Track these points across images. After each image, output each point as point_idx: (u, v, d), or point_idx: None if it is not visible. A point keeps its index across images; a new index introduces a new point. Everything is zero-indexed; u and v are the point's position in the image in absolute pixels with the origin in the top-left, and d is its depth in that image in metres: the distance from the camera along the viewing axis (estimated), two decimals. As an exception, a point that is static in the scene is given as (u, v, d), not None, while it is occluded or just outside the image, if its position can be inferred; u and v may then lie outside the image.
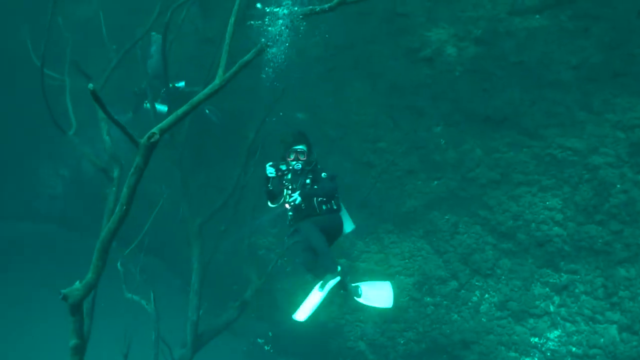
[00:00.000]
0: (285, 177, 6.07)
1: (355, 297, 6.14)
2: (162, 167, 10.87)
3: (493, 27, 7.72)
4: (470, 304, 8.49)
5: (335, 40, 9.24)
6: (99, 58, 10.09)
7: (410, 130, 8.93)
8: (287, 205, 6.09)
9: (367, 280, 6.43)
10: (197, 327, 8.60)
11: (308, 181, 6.00)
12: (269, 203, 6.29)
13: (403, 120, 8.97)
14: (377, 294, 6.23)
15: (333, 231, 6.11)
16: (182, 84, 9.80)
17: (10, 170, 14.57)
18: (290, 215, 6.14)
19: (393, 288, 6.40)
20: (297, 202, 5.76)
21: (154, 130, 3.87)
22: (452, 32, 8.08)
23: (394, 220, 9.27)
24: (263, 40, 4.15)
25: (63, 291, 3.88)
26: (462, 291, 8.57)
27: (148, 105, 9.60)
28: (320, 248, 5.71)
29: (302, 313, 5.91)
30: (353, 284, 6.16)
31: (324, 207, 6.03)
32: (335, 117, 9.57)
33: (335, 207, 6.13)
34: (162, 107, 9.62)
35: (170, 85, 9.41)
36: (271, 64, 7.46)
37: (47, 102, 7.10)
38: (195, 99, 4.19)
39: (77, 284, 3.95)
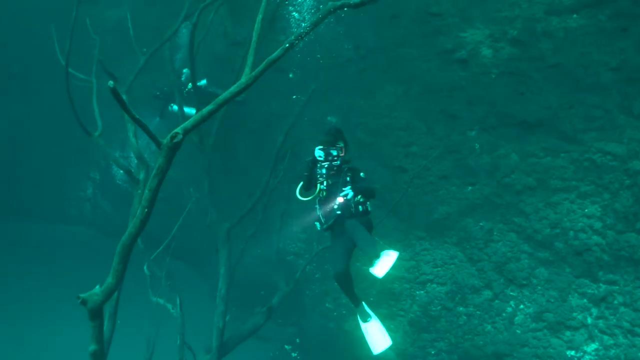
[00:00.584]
0: (320, 171, 5.93)
1: (360, 319, 6.00)
2: (191, 171, 11.05)
3: (530, 27, 7.59)
4: (504, 314, 8.32)
5: (366, 43, 9.24)
6: (130, 62, 10.32)
7: (444, 134, 8.84)
8: (317, 205, 5.96)
9: (380, 320, 6.07)
10: (223, 333, 8.63)
11: (348, 179, 5.83)
12: (299, 194, 6.03)
13: (436, 124, 8.88)
14: (378, 336, 5.91)
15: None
16: (203, 82, 9.89)
17: (43, 173, 14.96)
18: (321, 216, 5.95)
19: (391, 346, 6.00)
20: (349, 196, 5.61)
21: (177, 130, 3.81)
22: (487, 33, 7.97)
23: (426, 227, 9.17)
24: (292, 37, 4.08)
25: (82, 295, 3.87)
26: (496, 301, 8.41)
27: (174, 107, 9.72)
28: (369, 244, 5.48)
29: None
30: (367, 309, 6.01)
31: (360, 208, 5.84)
32: (367, 121, 9.54)
33: (369, 209, 5.96)
34: (190, 110, 9.73)
35: (190, 85, 9.53)
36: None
37: (72, 103, 7.21)
38: (221, 97, 4.13)
39: (97, 288, 3.95)
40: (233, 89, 4.26)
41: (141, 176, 7.65)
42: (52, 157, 14.81)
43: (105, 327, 6.66)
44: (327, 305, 10.16)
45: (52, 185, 15.22)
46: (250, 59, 4.57)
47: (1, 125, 15.05)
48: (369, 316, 5.92)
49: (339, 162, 5.86)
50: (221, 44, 10.61)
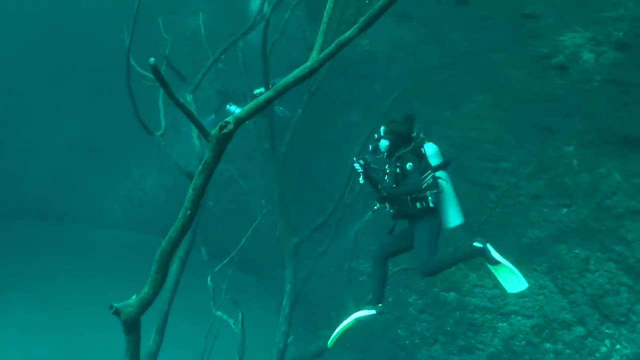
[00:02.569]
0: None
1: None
2: (263, 182, 11.16)
3: (637, 28, 7.12)
4: (597, 355, 7.85)
5: (453, 48, 9.01)
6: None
7: (537, 149, 8.50)
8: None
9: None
10: (284, 356, 8.57)
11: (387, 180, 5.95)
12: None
13: (529, 137, 8.55)
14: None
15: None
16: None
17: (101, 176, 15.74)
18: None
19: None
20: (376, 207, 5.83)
21: (229, 119, 3.42)
22: (588, 36, 7.56)
23: (514, 252, 8.58)
24: (364, 17, 3.75)
25: (115, 305, 3.69)
26: (589, 339, 7.94)
27: (231, 107, 9.86)
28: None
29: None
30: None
31: (417, 205, 5.75)
32: (452, 134, 9.30)
33: (430, 205, 5.78)
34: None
35: (257, 91, 9.66)
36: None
37: (133, 101, 7.43)
38: (281, 83, 3.88)
39: (133, 298, 3.79)
40: (297, 72, 3.94)
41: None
42: (117, 158, 15.54)
43: (151, 341, 6.73)
44: (399, 332, 9.93)
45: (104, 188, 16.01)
46: (319, 42, 4.18)
47: (73, 128, 16.03)
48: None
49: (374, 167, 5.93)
50: (298, 48, 10.69)
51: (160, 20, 9.35)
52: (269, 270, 12.28)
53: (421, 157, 5.88)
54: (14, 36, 14.72)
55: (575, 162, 8.15)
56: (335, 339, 6.24)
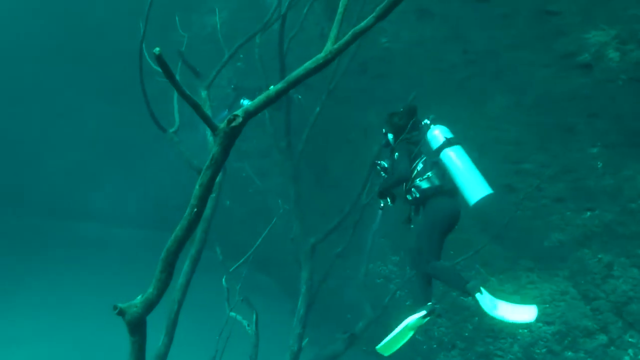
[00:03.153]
0: None
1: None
2: (280, 180, 11.06)
3: (664, 26, 6.92)
4: (621, 364, 7.61)
5: (474, 46, 8.81)
6: (227, 69, 10.57)
7: (560, 150, 8.25)
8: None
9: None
10: (298, 358, 8.46)
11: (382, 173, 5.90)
12: None
13: (552, 138, 8.31)
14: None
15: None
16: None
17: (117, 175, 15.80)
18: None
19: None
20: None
21: (238, 112, 3.36)
22: (613, 34, 7.30)
23: (535, 257, 8.63)
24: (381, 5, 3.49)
25: (120, 305, 3.63)
26: (612, 348, 7.69)
27: (244, 101, 9.76)
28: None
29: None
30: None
31: (409, 197, 5.61)
32: (473, 134, 9.07)
33: (417, 196, 5.57)
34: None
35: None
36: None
37: (147, 98, 7.34)
38: (293, 75, 3.70)
39: (139, 298, 3.72)
40: (309, 64, 3.74)
41: (217, 179, 7.62)
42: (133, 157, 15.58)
43: (160, 342, 6.62)
44: (416, 336, 9.66)
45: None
46: (334, 32, 3.95)
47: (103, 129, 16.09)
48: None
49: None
50: (317, 46, 10.53)
51: (177, 17, 9.31)
52: (285, 272, 12.19)
53: (417, 144, 5.71)
54: (35, 36, 14.84)
55: (599, 164, 7.89)
56: (387, 349, 5.72)
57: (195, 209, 3.58)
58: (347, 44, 3.74)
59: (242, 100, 10.53)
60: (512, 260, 8.84)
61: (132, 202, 15.95)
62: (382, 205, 5.79)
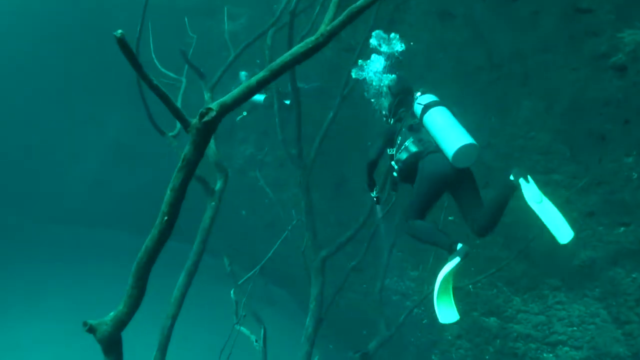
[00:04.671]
0: None
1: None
2: (296, 190, 10.72)
3: None
4: (654, 395, 7.04)
5: (500, 48, 8.33)
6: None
7: (592, 160, 7.71)
8: None
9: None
10: (305, 378, 8.04)
11: None
12: None
13: (583, 147, 7.78)
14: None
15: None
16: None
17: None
18: None
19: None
20: None
21: (212, 105, 2.99)
22: (650, 32, 6.84)
23: (563, 275, 8.09)
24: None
25: (90, 322, 3.39)
26: (645, 377, 7.13)
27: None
28: None
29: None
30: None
31: (394, 174, 5.63)
32: (498, 142, 8.64)
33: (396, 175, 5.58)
34: (257, 96, 9.54)
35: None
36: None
37: (144, 98, 7.03)
38: (278, 62, 3.13)
39: (110, 315, 3.42)
40: (297, 49, 3.16)
41: (217, 186, 7.23)
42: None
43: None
44: (433, 357, 9.28)
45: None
46: (329, 15, 3.45)
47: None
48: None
49: None
50: (333, 48, 10.19)
51: (186, 19, 9.10)
52: (300, 284, 11.89)
53: (402, 120, 5.69)
54: (56, 44, 14.96)
55: (635, 175, 7.33)
56: (448, 316, 4.97)
57: (166, 217, 3.20)
58: (342, 25, 3.27)
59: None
60: (537, 278, 8.33)
61: (147, 210, 15.91)
62: (374, 198, 5.87)
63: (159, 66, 8.44)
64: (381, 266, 9.32)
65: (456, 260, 4.77)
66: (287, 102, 9.79)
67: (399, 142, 5.51)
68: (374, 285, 9.45)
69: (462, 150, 4.99)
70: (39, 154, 17.10)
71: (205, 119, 3.00)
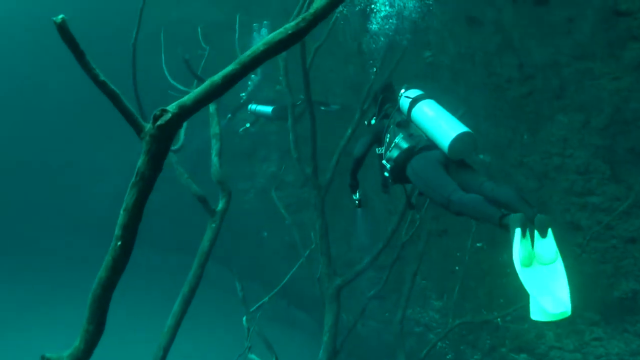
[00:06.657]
0: None
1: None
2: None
3: None
4: None
5: (532, 57, 7.79)
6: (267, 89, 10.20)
7: (635, 180, 7.20)
8: None
9: None
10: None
11: None
12: None
13: (625, 166, 7.27)
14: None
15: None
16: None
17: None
18: None
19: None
20: None
21: (169, 107, 2.49)
22: (698, 35, 6.20)
23: (602, 308, 7.59)
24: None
25: (48, 355, 2.88)
26: None
27: (252, 106, 9.57)
28: None
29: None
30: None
31: (385, 174, 5.27)
32: (531, 161, 8.15)
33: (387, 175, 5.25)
34: (265, 108, 9.22)
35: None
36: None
37: (140, 104, 6.70)
38: (250, 52, 2.60)
39: (67, 352, 2.85)
40: (272, 36, 2.63)
41: (219, 206, 6.74)
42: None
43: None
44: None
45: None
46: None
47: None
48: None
49: None
50: (355, 63, 9.75)
51: (199, 29, 8.80)
52: (321, 307, 11.50)
53: (388, 117, 5.49)
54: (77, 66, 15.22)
55: (683, 198, 6.71)
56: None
57: (120, 242, 2.60)
58: (331, 7, 2.70)
59: (250, 106, 10.00)
60: (573, 311, 7.54)
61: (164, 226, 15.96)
62: (356, 201, 5.80)
63: (169, 78, 8.14)
64: (403, 295, 8.74)
65: (517, 234, 3.79)
66: (328, 107, 9.50)
67: (387, 140, 5.28)
68: (395, 315, 8.90)
69: (458, 140, 4.64)
70: (63, 169, 17.44)
71: (160, 122, 2.39)
